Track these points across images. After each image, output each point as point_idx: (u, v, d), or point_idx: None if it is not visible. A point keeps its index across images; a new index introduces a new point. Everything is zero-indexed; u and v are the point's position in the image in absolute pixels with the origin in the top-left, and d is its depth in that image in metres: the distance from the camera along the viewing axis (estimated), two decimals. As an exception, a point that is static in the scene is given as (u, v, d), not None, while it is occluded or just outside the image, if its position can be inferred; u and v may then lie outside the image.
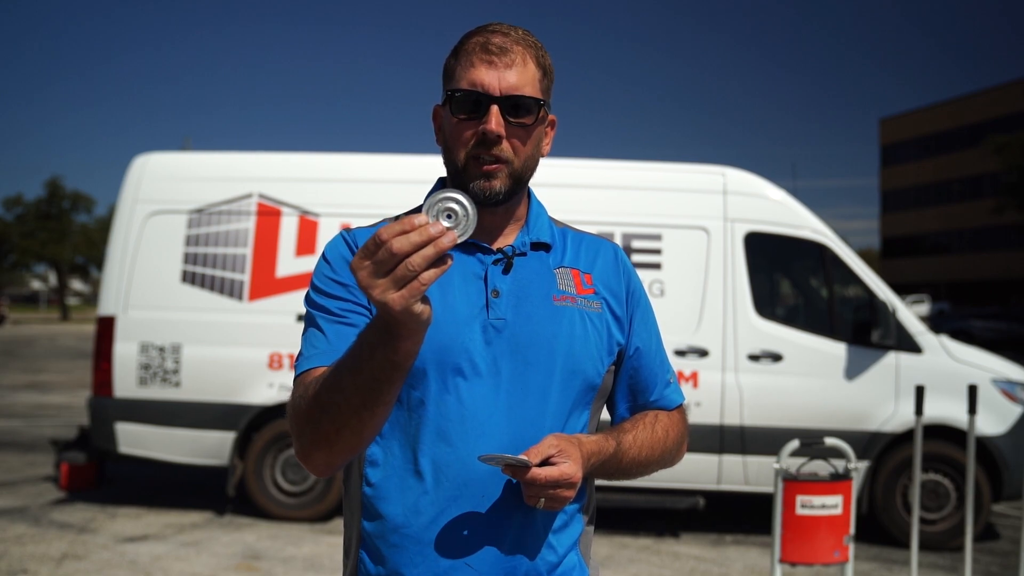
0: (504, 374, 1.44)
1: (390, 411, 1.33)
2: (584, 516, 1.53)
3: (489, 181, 1.45)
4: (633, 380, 1.59)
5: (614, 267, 1.59)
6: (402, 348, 1.22)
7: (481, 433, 1.41)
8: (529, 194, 1.58)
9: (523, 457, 1.34)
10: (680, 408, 1.65)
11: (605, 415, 1.64)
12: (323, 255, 1.52)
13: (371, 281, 1.16)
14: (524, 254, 1.52)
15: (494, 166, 1.45)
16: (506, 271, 1.49)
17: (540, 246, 1.55)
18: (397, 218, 1.58)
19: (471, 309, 1.45)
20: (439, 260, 1.17)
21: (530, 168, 1.51)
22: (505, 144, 1.45)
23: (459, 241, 1.20)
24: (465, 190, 1.46)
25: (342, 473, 1.53)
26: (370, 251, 1.16)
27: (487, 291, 1.47)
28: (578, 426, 1.49)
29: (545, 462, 1.35)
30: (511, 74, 1.44)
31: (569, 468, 1.35)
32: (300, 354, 1.46)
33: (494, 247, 1.51)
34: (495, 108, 1.43)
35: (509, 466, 1.34)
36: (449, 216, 1.21)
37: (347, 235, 1.54)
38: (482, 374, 1.43)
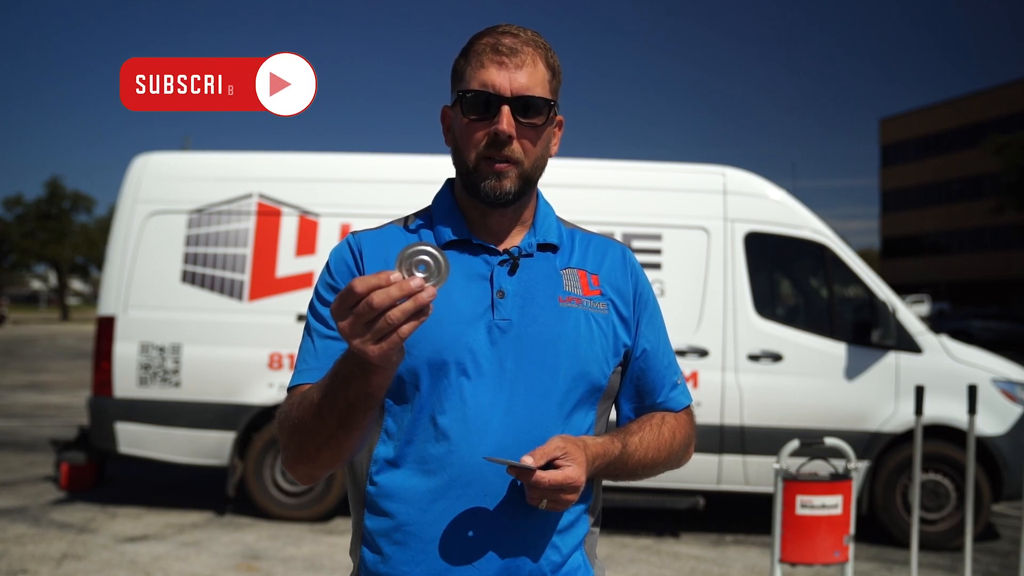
0: (508, 374, 1.44)
1: (367, 432, 1.39)
2: (590, 517, 1.53)
3: (500, 181, 1.46)
4: (640, 381, 1.59)
5: (622, 268, 1.58)
6: (374, 381, 1.28)
7: (484, 432, 1.41)
8: (537, 195, 1.59)
9: (527, 460, 1.34)
10: (688, 409, 1.65)
11: (613, 414, 1.63)
12: (327, 262, 1.55)
13: (351, 331, 1.20)
14: (531, 255, 1.52)
15: (504, 165, 1.45)
16: (512, 272, 1.49)
17: (547, 247, 1.55)
18: (405, 221, 1.59)
19: (476, 309, 1.46)
20: (418, 312, 1.20)
21: (539, 168, 1.51)
22: (516, 145, 1.46)
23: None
24: (476, 190, 1.48)
25: (346, 472, 1.55)
26: (347, 302, 1.19)
27: (492, 292, 1.47)
28: (584, 427, 1.49)
29: (550, 464, 1.35)
30: (521, 75, 1.45)
31: (573, 472, 1.35)
32: (295, 367, 1.52)
33: (501, 248, 1.52)
34: (506, 109, 1.44)
35: (514, 467, 1.35)
36: (422, 267, 1.22)
37: (352, 240, 1.55)
38: (485, 374, 1.43)
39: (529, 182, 1.49)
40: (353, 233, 1.57)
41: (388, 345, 1.20)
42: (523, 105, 1.45)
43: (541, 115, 1.47)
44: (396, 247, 1.52)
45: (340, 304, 1.20)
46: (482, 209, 1.51)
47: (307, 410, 1.37)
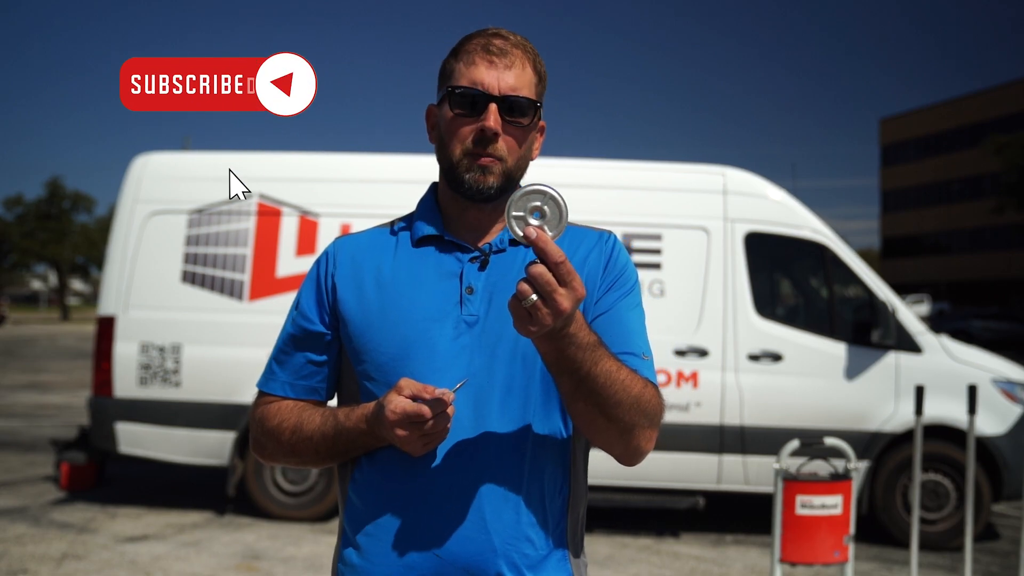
0: (474, 369, 1.45)
1: None
2: (569, 510, 1.51)
3: (484, 175, 1.48)
4: None
5: (596, 252, 1.54)
6: (382, 438, 1.43)
7: (453, 427, 1.42)
8: None
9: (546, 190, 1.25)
10: (654, 384, 1.47)
11: None
12: (310, 271, 1.60)
13: (405, 440, 1.38)
14: (503, 250, 1.53)
15: (489, 160, 1.47)
16: (482, 268, 1.51)
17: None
18: (392, 224, 1.61)
19: (444, 306, 1.48)
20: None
21: (521, 169, 1.54)
22: (501, 142, 1.48)
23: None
24: (459, 184, 1.50)
25: (336, 469, 1.62)
26: (414, 419, 1.35)
27: (461, 288, 1.49)
28: (555, 416, 1.48)
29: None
30: (510, 75, 1.48)
31: (570, 272, 1.24)
32: (268, 363, 1.60)
33: (479, 245, 1.53)
34: (493, 106, 1.46)
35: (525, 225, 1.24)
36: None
37: (331, 251, 1.59)
38: (450, 369, 1.45)
39: (511, 181, 1.51)
40: (336, 239, 1.61)
41: (434, 445, 1.40)
42: (510, 104, 1.47)
43: (527, 116, 1.49)
44: (373, 253, 1.55)
45: (406, 420, 1.35)
46: (462, 205, 1.53)
47: (299, 438, 1.52)
